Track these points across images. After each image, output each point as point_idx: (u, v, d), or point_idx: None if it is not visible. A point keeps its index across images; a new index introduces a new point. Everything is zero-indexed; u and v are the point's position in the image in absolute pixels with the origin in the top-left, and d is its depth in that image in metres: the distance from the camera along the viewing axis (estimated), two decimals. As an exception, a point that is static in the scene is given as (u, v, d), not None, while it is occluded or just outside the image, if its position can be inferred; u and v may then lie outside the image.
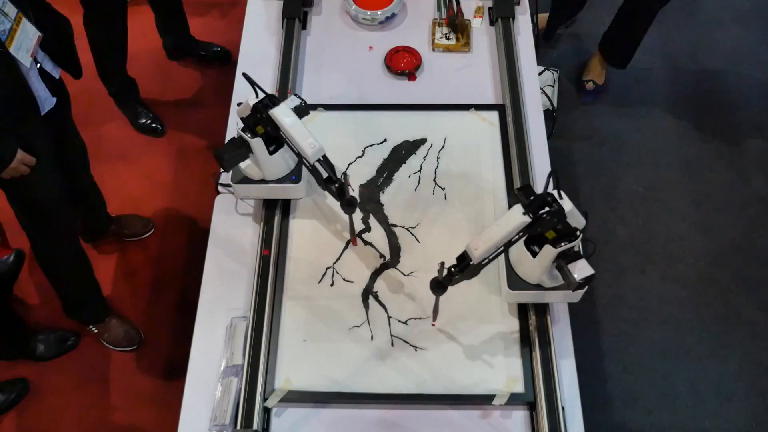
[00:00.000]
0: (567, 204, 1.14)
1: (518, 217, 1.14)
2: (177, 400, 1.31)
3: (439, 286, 1.20)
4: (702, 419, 2.05)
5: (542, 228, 1.16)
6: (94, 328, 2.15)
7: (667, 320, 2.22)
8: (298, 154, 1.29)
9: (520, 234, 1.16)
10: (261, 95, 1.30)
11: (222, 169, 1.41)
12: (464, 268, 1.18)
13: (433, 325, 1.37)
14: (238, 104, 1.35)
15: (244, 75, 1.30)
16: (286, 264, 1.45)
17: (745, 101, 2.70)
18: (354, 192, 1.54)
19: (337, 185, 1.27)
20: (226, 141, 1.61)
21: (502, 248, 1.17)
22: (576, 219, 1.18)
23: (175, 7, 2.59)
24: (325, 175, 1.27)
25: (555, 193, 1.15)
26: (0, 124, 1.49)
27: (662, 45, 2.84)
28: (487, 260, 1.18)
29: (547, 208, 1.14)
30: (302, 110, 1.35)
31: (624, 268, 2.32)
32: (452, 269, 1.19)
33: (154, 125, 2.61)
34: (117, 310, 2.21)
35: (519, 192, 1.27)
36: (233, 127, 1.64)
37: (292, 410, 1.30)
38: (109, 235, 2.34)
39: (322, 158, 1.27)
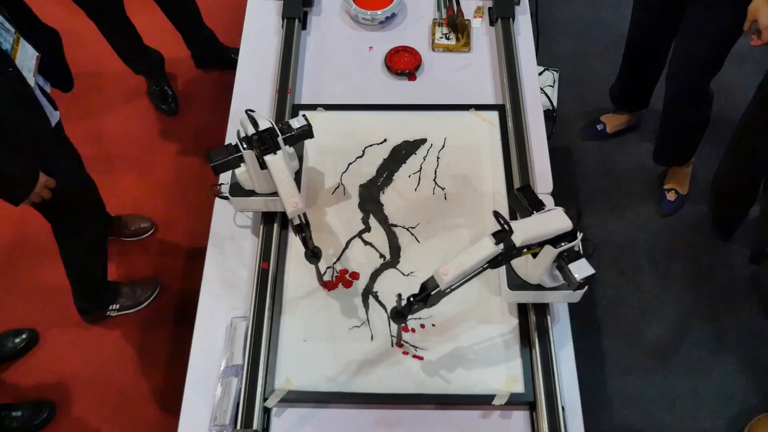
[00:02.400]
0: (519, 238, 1.13)
1: (489, 247, 1.13)
2: (177, 400, 1.31)
3: (399, 315, 1.19)
4: (702, 419, 2.05)
5: (503, 262, 1.17)
6: (114, 309, 2.18)
7: (667, 320, 2.22)
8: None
9: (486, 265, 1.16)
10: (263, 125, 1.29)
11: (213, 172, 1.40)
12: (425, 298, 1.17)
13: (400, 345, 1.36)
14: (248, 111, 1.33)
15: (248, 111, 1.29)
16: (285, 265, 1.45)
17: (745, 101, 2.69)
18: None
19: (303, 234, 1.28)
20: (225, 143, 1.62)
21: (470, 277, 1.16)
22: (556, 229, 1.17)
23: (192, 18, 2.58)
24: (296, 222, 1.27)
25: (507, 224, 1.15)
26: (22, 145, 1.52)
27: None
28: (449, 289, 1.17)
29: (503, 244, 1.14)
30: (305, 132, 1.34)
31: (624, 268, 2.32)
32: (411, 299, 1.17)
33: (168, 101, 2.64)
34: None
35: (519, 192, 1.27)
36: (233, 129, 1.64)
37: (292, 410, 1.31)
38: (109, 235, 2.34)
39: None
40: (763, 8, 1.73)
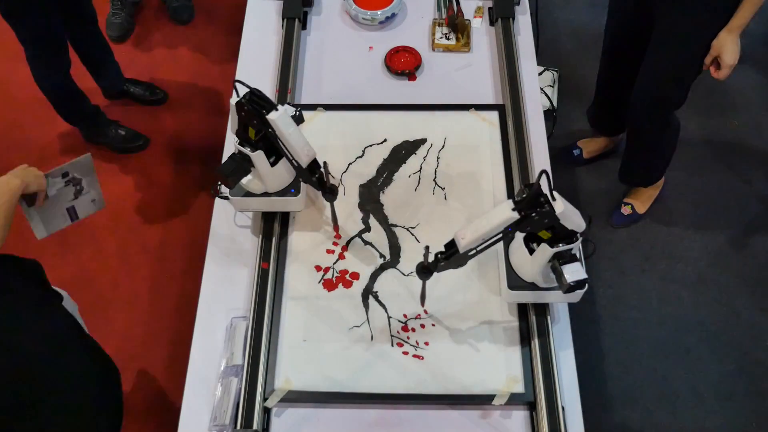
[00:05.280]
0: (559, 206, 1.13)
1: (506, 212, 1.13)
2: (177, 400, 1.31)
3: (425, 270, 1.21)
4: (702, 419, 2.05)
5: (531, 227, 1.16)
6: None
7: (667, 320, 2.22)
8: (285, 149, 1.30)
9: (509, 229, 1.15)
10: (245, 93, 1.28)
11: (227, 187, 1.39)
12: (450, 255, 1.18)
13: (425, 312, 1.37)
14: (236, 81, 1.33)
15: (237, 81, 1.28)
16: (285, 265, 1.45)
17: (745, 101, 2.70)
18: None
19: (317, 176, 1.30)
20: (225, 143, 1.62)
21: (491, 241, 1.17)
22: (575, 222, 1.17)
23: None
24: (304, 165, 1.30)
25: (551, 193, 1.15)
26: None
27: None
28: (474, 251, 1.18)
29: (538, 209, 1.14)
30: (297, 119, 1.34)
31: (624, 268, 2.32)
32: (438, 255, 1.20)
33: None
34: (117, 311, 2.22)
35: (526, 188, 1.27)
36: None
37: (292, 410, 1.31)
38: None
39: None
40: (727, 44, 1.69)
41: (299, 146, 1.27)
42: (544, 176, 1.10)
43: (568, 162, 2.54)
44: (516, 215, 1.13)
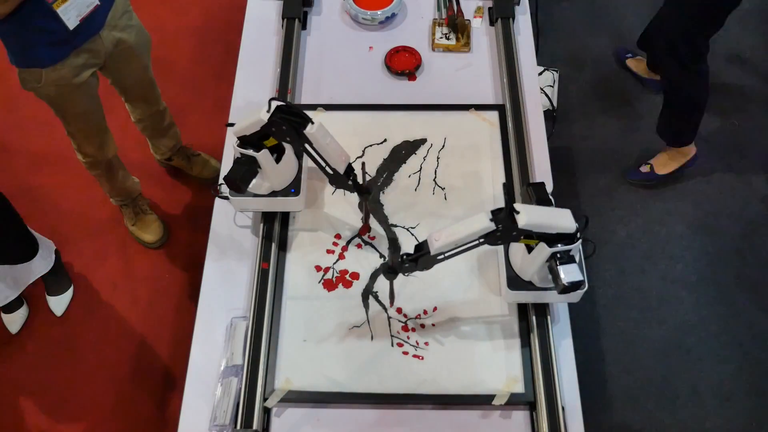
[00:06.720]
0: (523, 219, 1.13)
1: (483, 222, 1.15)
2: (177, 400, 1.31)
3: (390, 270, 1.24)
4: (702, 419, 2.05)
5: (501, 240, 1.18)
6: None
7: (667, 320, 2.22)
8: (320, 158, 1.30)
9: (481, 240, 1.17)
10: (274, 106, 1.25)
11: (238, 192, 1.38)
12: (417, 258, 1.20)
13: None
14: (228, 125, 1.32)
15: (277, 102, 1.24)
16: (285, 265, 1.45)
17: (745, 101, 2.70)
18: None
19: (351, 178, 1.32)
20: (225, 143, 1.62)
21: (463, 248, 1.18)
22: (558, 227, 1.17)
23: None
24: (342, 172, 1.31)
25: (511, 205, 1.16)
26: None
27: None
28: (443, 256, 1.19)
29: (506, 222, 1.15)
30: None
31: (624, 268, 2.32)
32: (404, 257, 1.21)
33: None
34: (117, 311, 2.22)
35: (530, 188, 1.27)
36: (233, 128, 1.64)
37: (292, 410, 1.31)
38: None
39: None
40: None
41: (337, 154, 1.27)
42: (547, 181, 1.11)
43: (636, 178, 2.49)
44: (492, 225, 1.15)
